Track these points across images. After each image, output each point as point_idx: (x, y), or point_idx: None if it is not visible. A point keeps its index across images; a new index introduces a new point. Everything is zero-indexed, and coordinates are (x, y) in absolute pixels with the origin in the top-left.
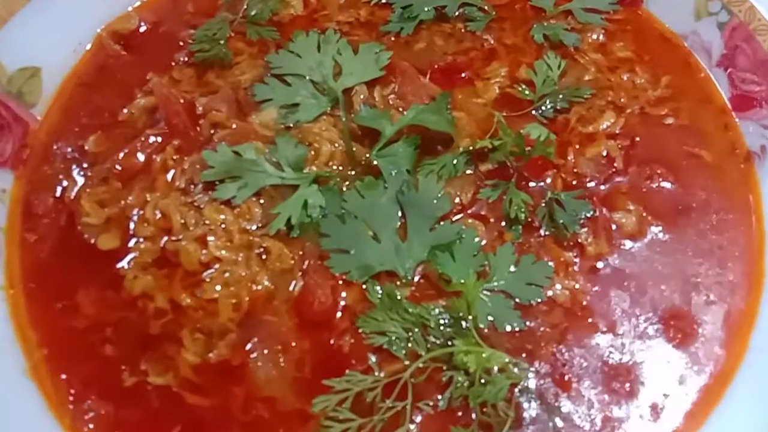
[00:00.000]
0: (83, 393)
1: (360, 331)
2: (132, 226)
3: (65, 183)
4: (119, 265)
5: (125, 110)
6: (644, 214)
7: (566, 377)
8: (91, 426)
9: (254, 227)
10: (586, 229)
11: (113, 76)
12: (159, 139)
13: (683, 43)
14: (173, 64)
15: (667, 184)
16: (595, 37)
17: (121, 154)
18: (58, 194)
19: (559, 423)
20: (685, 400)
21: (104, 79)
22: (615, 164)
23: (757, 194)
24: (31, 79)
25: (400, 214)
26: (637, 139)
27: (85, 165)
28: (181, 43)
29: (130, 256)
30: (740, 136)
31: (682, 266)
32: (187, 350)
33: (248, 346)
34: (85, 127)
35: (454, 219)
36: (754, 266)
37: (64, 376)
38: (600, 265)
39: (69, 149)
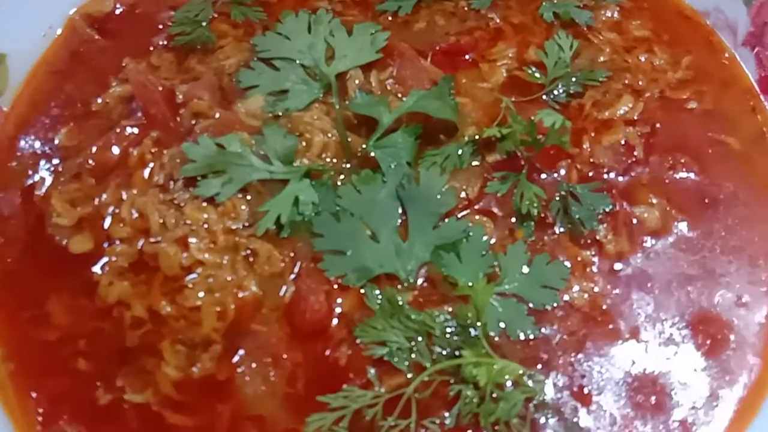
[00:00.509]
0: (54, 413)
1: (358, 341)
2: (106, 226)
3: (34, 180)
4: (93, 270)
5: (99, 100)
6: (668, 208)
7: (586, 390)
8: None
9: (240, 227)
10: (604, 225)
11: (86, 63)
12: (136, 131)
13: (705, 21)
14: (151, 48)
15: (691, 175)
16: (609, 14)
17: (95, 148)
18: (26, 193)
19: None
20: (717, 415)
21: (77, 67)
22: (635, 153)
23: None
24: None
25: (400, 210)
26: (658, 125)
27: (55, 160)
28: (161, 26)
29: (105, 260)
30: None
31: (710, 265)
32: (168, 364)
33: (235, 359)
34: (56, 119)
35: (459, 215)
36: None
37: (33, 394)
38: (620, 265)
39: (38, 143)
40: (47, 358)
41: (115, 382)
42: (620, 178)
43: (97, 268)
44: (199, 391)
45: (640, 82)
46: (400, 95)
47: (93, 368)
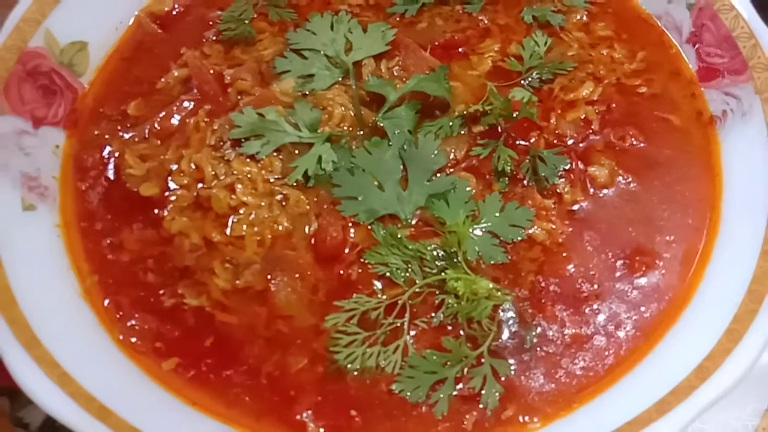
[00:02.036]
0: (129, 312)
1: (366, 262)
2: (170, 176)
3: (111, 140)
4: (158, 210)
5: (162, 80)
6: (616, 168)
7: (542, 301)
8: (136, 338)
9: (275, 178)
10: (563, 180)
11: (150, 51)
12: (192, 105)
13: (658, 23)
14: (204, 41)
15: (638, 144)
16: (579, 17)
17: (160, 116)
18: (104, 151)
19: (535, 339)
20: (644, 322)
21: (142, 54)
22: (592, 126)
23: (717, 152)
24: (80, 53)
25: (402, 167)
26: (613, 105)
27: (128, 125)
28: (210, 23)
29: (169, 201)
30: (705, 103)
31: (649, 212)
32: (218, 277)
33: (270, 275)
34: (126, 95)
35: (449, 172)
36: (711, 212)
37: (114, 296)
38: (575, 209)
39: (113, 113)
40: (123, 273)
41: (177, 290)
42: (580, 145)
43: (162, 209)
44: (242, 298)
45: (601, 72)
46: (404, 79)
47: (158, 281)
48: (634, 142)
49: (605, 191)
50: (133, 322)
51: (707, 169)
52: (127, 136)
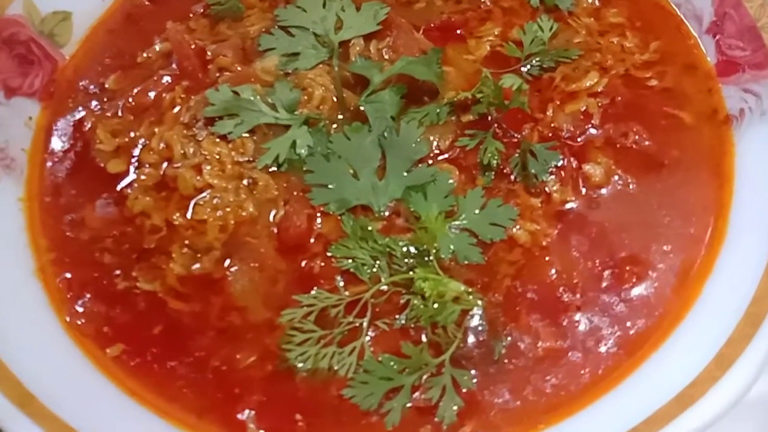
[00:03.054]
0: (80, 292)
1: (330, 256)
2: (138, 153)
3: (85, 114)
4: (124, 187)
5: (145, 54)
6: (614, 167)
7: (517, 309)
8: (83, 320)
9: (246, 160)
10: (554, 177)
11: (136, 24)
12: (170, 80)
13: (676, 11)
14: (191, 15)
15: (641, 142)
16: (590, 2)
17: (135, 91)
18: (77, 124)
19: (503, 350)
20: (629, 339)
21: (128, 26)
22: (592, 120)
23: (731, 155)
24: (63, 23)
25: (381, 156)
26: (618, 98)
27: (104, 99)
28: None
29: (134, 179)
30: (722, 100)
31: (646, 217)
32: (175, 262)
33: (228, 262)
34: (107, 67)
35: (430, 163)
36: (717, 222)
37: (68, 275)
38: (564, 210)
39: (92, 86)
40: (80, 252)
41: (132, 273)
42: (578, 140)
43: (127, 186)
44: (198, 285)
45: (609, 61)
46: (393, 61)
47: (115, 261)
48: (638, 140)
49: (599, 192)
50: (83, 303)
51: (717, 173)
52: (102, 110)
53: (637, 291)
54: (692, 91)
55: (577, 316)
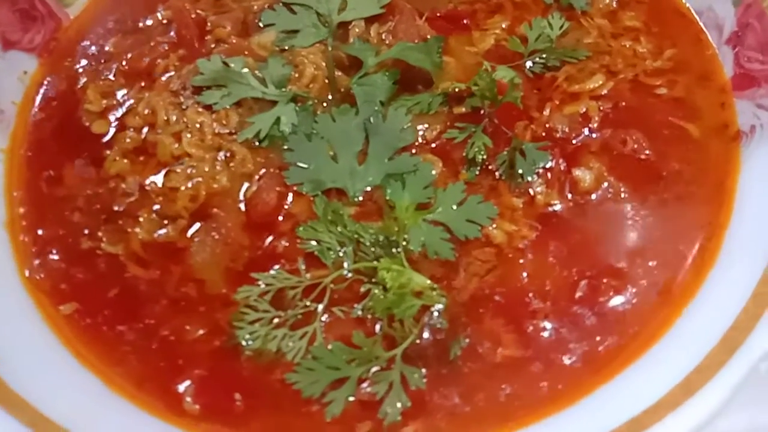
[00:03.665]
0: (45, 248)
1: (297, 236)
2: (124, 116)
3: (79, 74)
4: (104, 148)
5: (148, 20)
6: (605, 173)
7: (481, 310)
8: (42, 275)
9: (228, 132)
10: (540, 179)
11: None
12: (166, 47)
13: (697, 19)
14: None
15: (640, 151)
16: (606, 2)
17: (129, 55)
18: (70, 82)
19: (459, 351)
20: (596, 355)
21: None
22: (590, 123)
23: (735, 174)
24: None
25: (365, 140)
26: (623, 103)
27: (102, 61)
28: None
29: (116, 141)
30: (734, 115)
31: (634, 229)
32: (141, 227)
33: (192, 232)
34: (109, 31)
35: (414, 152)
36: (710, 241)
37: (37, 231)
38: (546, 213)
39: (92, 47)
40: (51, 209)
41: (98, 234)
42: (573, 142)
43: (107, 147)
44: (160, 253)
45: (618, 65)
46: (392, 47)
47: (83, 221)
48: (636, 148)
49: (587, 198)
50: (45, 259)
51: (719, 191)
52: (96, 71)
53: (613, 305)
54: (704, 103)
55: (544, 325)
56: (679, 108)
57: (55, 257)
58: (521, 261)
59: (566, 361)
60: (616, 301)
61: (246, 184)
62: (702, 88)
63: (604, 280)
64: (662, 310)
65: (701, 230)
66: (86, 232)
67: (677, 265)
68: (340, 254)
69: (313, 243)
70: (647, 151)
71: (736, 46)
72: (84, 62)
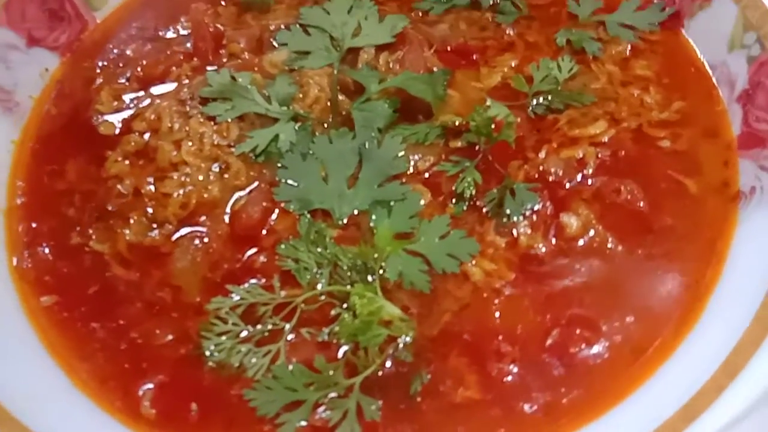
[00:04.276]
0: (36, 240)
1: (277, 253)
2: (131, 120)
3: (96, 75)
4: (108, 150)
5: (170, 30)
6: (594, 222)
7: (447, 347)
8: (29, 264)
9: (226, 144)
10: (526, 221)
11: (171, 1)
12: (181, 57)
13: (711, 74)
14: (222, 2)
15: (634, 201)
16: (620, 49)
17: (144, 62)
18: (86, 83)
19: (419, 387)
20: (558, 408)
21: (163, 2)
22: (585, 169)
23: (729, 235)
24: None
25: (358, 164)
26: (622, 152)
27: (120, 65)
28: None
29: (120, 143)
30: (736, 174)
31: (616, 282)
32: (130, 228)
33: (176, 238)
34: (132, 36)
35: (404, 180)
36: (694, 303)
37: (32, 224)
38: (528, 255)
39: (114, 50)
40: (49, 201)
41: (88, 231)
42: (567, 186)
43: (110, 149)
44: (143, 255)
45: (623, 113)
46: (397, 74)
47: (76, 217)
48: (630, 199)
49: (571, 244)
50: (35, 250)
51: (710, 251)
52: (113, 75)
53: (583, 357)
54: (706, 159)
55: (509, 369)
56: (680, 162)
57: (45, 250)
58: (496, 301)
59: (527, 409)
60: (587, 353)
61: (236, 196)
62: (707, 143)
63: (578, 331)
64: (634, 367)
65: (686, 290)
66: (78, 228)
67: (656, 324)
68: (317, 275)
69: (291, 262)
70: (641, 203)
71: (746, 104)
72: (103, 65)
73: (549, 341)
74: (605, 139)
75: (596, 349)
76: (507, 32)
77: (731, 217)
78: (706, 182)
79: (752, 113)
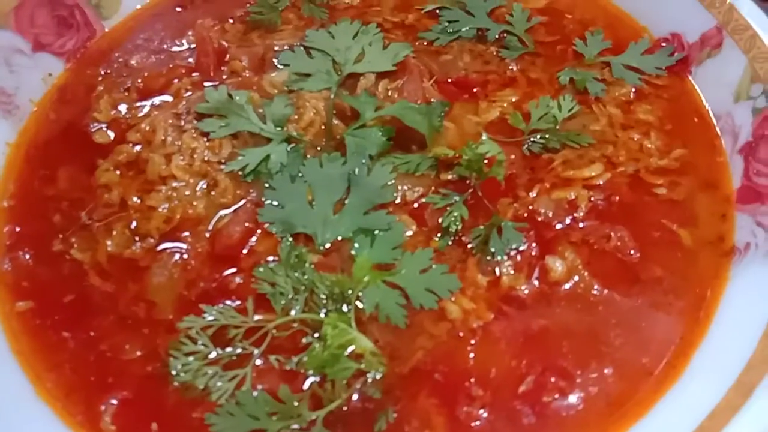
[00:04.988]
0: (18, 243)
1: (254, 276)
2: (126, 131)
3: (97, 84)
4: (100, 159)
5: (176, 44)
6: (580, 267)
7: (417, 387)
8: (8, 266)
9: (216, 161)
10: (510, 261)
11: (181, 15)
12: (183, 71)
13: (715, 123)
14: (231, 19)
15: (624, 249)
16: (624, 91)
17: (145, 74)
18: (86, 91)
19: (384, 426)
20: None
21: (173, 15)
22: (576, 212)
23: (719, 292)
24: None
25: (346, 191)
26: (616, 198)
27: (123, 75)
28: (247, 5)
29: (112, 152)
30: (732, 229)
31: (597, 331)
32: (112, 239)
33: (156, 252)
34: (138, 47)
35: (390, 210)
36: (676, 359)
37: (16, 227)
38: (509, 296)
39: (118, 60)
40: (37, 206)
41: (71, 239)
42: (557, 227)
43: (102, 158)
44: (122, 268)
45: (620, 158)
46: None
47: (61, 223)
48: (619, 246)
49: (554, 288)
50: (16, 254)
51: (698, 306)
52: (114, 84)
53: (556, 407)
54: (703, 211)
55: (478, 414)
56: (676, 211)
57: (26, 255)
58: (472, 342)
59: None
60: (561, 403)
61: (220, 214)
62: (705, 194)
63: (553, 379)
64: (608, 424)
65: (669, 345)
66: (61, 235)
67: (635, 378)
68: (292, 301)
69: (267, 285)
70: (631, 252)
71: (748, 157)
72: (105, 74)
73: (522, 388)
74: (600, 182)
75: (571, 399)
76: (510, 67)
77: (722, 273)
78: (700, 234)
79: (753, 166)
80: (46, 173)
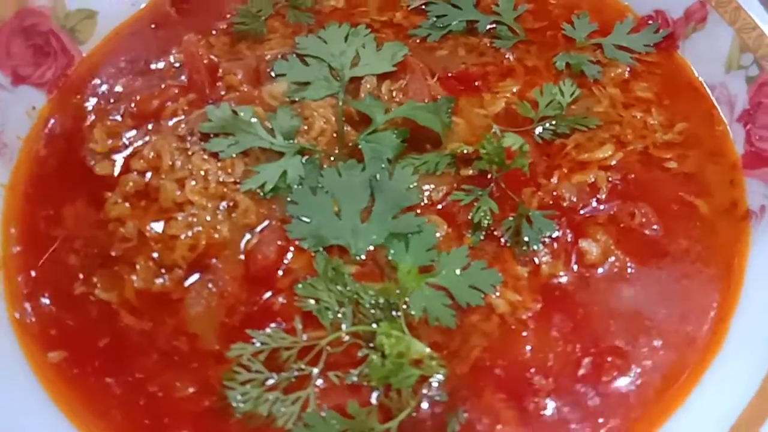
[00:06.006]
0: (37, 290)
1: (296, 294)
2: (129, 159)
3: (87, 113)
4: (106, 191)
5: (160, 62)
6: (612, 247)
7: (481, 384)
8: (33, 319)
9: (231, 181)
10: (546, 249)
11: (159, 32)
12: (176, 91)
13: (710, 94)
14: (213, 32)
15: (648, 225)
16: (619, 71)
17: (138, 98)
18: (77, 121)
19: (457, 426)
20: None
21: (151, 33)
22: (598, 194)
23: (744, 256)
24: (87, 20)
25: (369, 198)
26: (631, 176)
27: (111, 101)
28: (228, 15)
29: (118, 184)
30: (744, 194)
31: (640, 307)
32: (137, 274)
33: (189, 284)
34: (121, 70)
35: (419, 212)
36: (718, 324)
37: (31, 272)
38: (551, 284)
39: (102, 86)
40: (47, 249)
41: (92, 279)
42: (581, 212)
43: (109, 190)
44: (154, 303)
45: (628, 136)
46: (401, 104)
47: (78, 264)
48: (644, 223)
49: (593, 271)
50: (37, 302)
51: (727, 272)
52: (104, 111)
53: (616, 386)
54: (713, 180)
55: (546, 403)
56: (689, 183)
57: (47, 301)
58: (524, 333)
59: None
60: (620, 381)
61: (247, 236)
62: (712, 164)
63: (609, 359)
64: (666, 394)
65: (708, 312)
66: (80, 276)
67: (684, 348)
68: (339, 315)
69: (311, 302)
70: (655, 226)
71: (748, 124)
72: (93, 100)
73: (581, 371)
74: (613, 162)
75: (628, 376)
76: (506, 57)
77: (744, 237)
78: (715, 203)
79: (755, 132)
80: (50, 213)
